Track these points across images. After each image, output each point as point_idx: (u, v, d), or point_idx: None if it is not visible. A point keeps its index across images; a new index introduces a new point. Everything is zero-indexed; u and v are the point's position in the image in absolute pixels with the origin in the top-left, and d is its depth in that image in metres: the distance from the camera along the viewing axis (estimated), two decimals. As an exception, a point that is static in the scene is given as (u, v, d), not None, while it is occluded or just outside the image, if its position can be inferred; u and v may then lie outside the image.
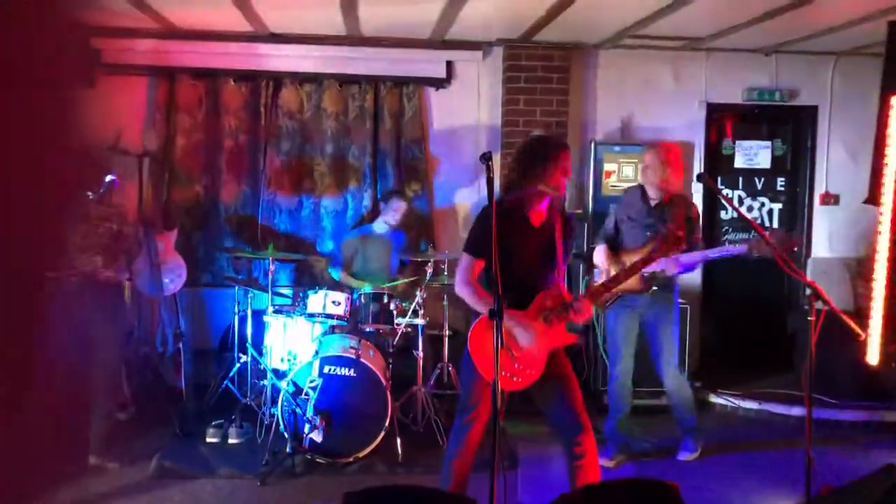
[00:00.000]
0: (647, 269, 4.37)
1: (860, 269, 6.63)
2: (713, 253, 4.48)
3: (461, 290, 3.41)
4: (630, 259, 4.42)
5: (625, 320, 4.73)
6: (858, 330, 3.24)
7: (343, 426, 4.65)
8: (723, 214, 7.04)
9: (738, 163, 7.03)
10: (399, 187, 6.33)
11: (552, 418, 3.50)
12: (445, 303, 5.60)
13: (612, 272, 4.49)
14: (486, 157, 2.98)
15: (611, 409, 4.88)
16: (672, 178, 4.59)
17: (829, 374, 5.46)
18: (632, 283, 4.44)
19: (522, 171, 3.37)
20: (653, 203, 4.70)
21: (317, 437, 4.59)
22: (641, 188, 4.77)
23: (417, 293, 5.16)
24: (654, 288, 4.58)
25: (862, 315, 5.12)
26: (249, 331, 5.42)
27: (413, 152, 6.50)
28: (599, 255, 4.73)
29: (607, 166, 6.43)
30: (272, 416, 4.88)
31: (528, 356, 3.37)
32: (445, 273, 5.58)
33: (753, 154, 7.03)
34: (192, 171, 6.30)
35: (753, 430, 5.70)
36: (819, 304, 3.31)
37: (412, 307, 5.13)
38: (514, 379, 3.38)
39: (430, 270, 5.26)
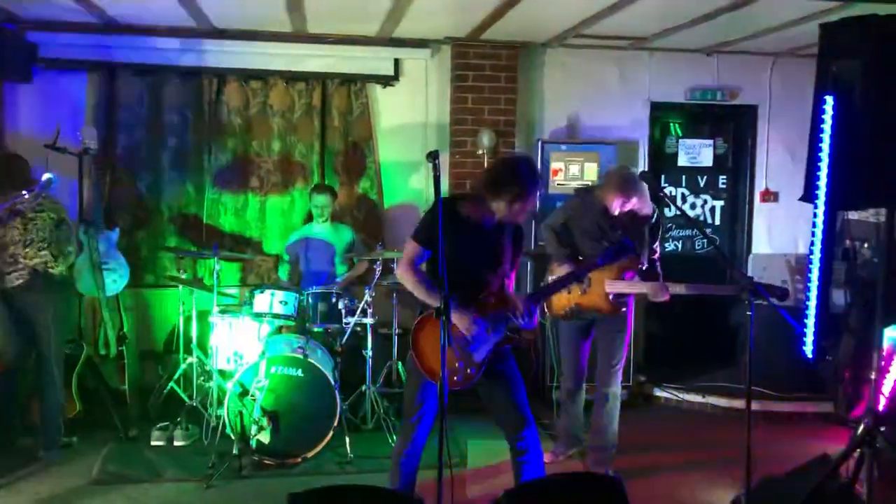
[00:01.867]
0: (635, 292, 4.35)
1: (799, 265, 6.82)
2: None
3: (403, 275, 3.42)
4: (599, 275, 4.30)
5: (577, 330, 4.66)
6: (795, 323, 3.33)
7: (291, 426, 4.63)
8: (666, 212, 7.17)
9: (682, 161, 7.17)
10: (321, 182, 6.28)
11: (496, 415, 3.54)
12: (395, 301, 5.60)
13: (577, 288, 4.40)
14: (433, 156, 2.99)
15: (562, 409, 4.92)
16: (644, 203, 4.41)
17: (769, 367, 5.61)
18: (595, 302, 4.39)
19: (487, 188, 3.35)
20: (617, 216, 4.38)
21: (264, 438, 4.56)
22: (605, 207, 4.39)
23: (366, 292, 5.15)
24: (623, 310, 4.42)
25: (800, 310, 5.29)
26: (195, 332, 5.37)
27: (361, 150, 6.49)
28: (566, 267, 4.33)
29: (554, 165, 6.50)
30: (218, 417, 4.84)
31: (469, 356, 3.39)
32: (395, 271, 5.57)
33: (696, 153, 7.18)
34: (135, 169, 6.18)
35: (697, 423, 5.84)
36: (758, 300, 3.40)
37: (361, 306, 5.12)
38: (455, 377, 3.39)
39: (378, 269, 5.24)
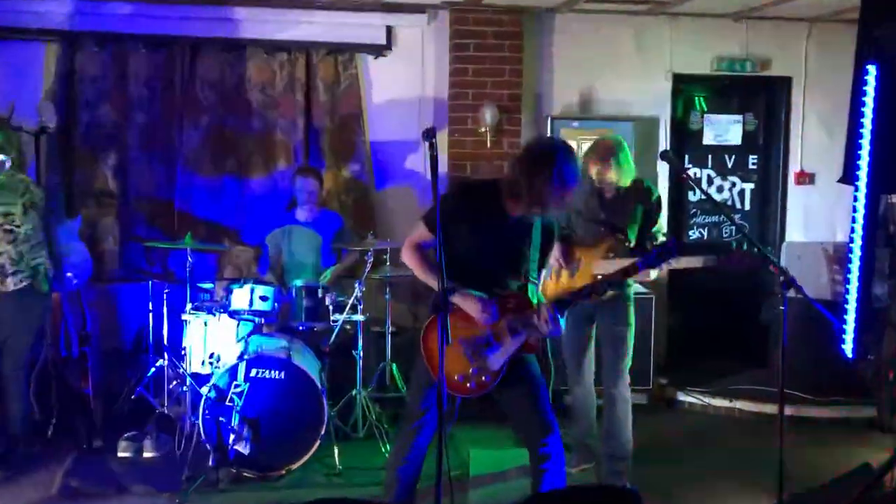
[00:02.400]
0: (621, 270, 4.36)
1: (837, 255, 6.82)
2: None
3: (407, 256, 3.44)
4: (588, 258, 4.40)
5: (576, 327, 4.63)
6: (833, 319, 3.34)
7: (273, 435, 4.63)
8: (690, 196, 7.17)
9: (707, 139, 7.16)
10: (304, 164, 6.28)
11: (516, 422, 3.56)
12: (388, 297, 5.59)
13: (565, 272, 4.46)
14: (429, 134, 2.98)
15: (574, 415, 4.91)
16: (625, 173, 4.45)
17: (804, 368, 5.62)
18: (572, 284, 4.38)
19: (520, 170, 3.30)
20: (608, 197, 4.51)
21: (243, 448, 4.56)
22: (598, 185, 4.54)
23: (356, 286, 5.15)
24: (610, 292, 4.38)
25: (838, 304, 5.29)
26: (166, 331, 5.36)
27: (350, 128, 6.47)
28: (556, 249, 4.47)
29: (565, 143, 6.47)
30: (193, 425, 4.83)
31: (485, 362, 3.39)
32: (388, 264, 5.57)
33: (723, 130, 7.17)
34: (98, 149, 6.17)
35: (724, 430, 5.84)
36: (792, 293, 3.40)
37: (351, 302, 5.11)
38: (468, 385, 3.40)
39: (370, 261, 5.24)
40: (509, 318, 3.39)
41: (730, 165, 7.21)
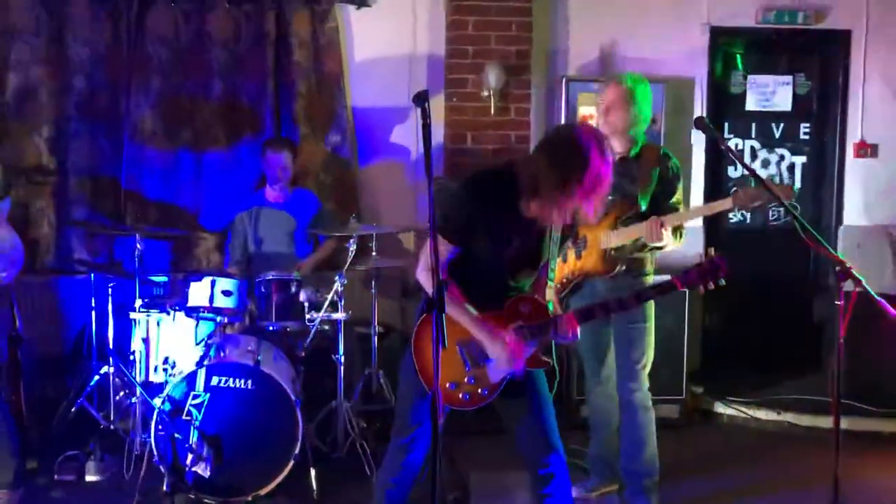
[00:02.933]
0: (632, 238, 4.43)
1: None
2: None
3: (422, 277, 3.42)
4: (594, 234, 4.46)
5: (592, 322, 4.68)
6: (898, 317, 3.33)
7: (238, 455, 4.63)
8: (731, 171, 7.16)
9: (751, 104, 7.15)
10: (275, 135, 6.29)
11: (517, 439, 3.57)
12: (374, 291, 5.59)
13: (571, 252, 4.53)
14: (421, 99, 2.97)
15: (592, 427, 4.93)
16: (638, 118, 4.51)
17: (865, 374, 5.62)
18: (593, 263, 4.49)
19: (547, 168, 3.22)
20: (618, 156, 4.46)
21: (203, 470, 4.56)
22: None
23: (337, 279, 5.15)
24: (621, 268, 4.48)
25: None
26: (111, 332, 5.36)
27: (329, 92, 6.47)
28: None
29: (583, 110, 6.47)
30: (143, 444, 4.84)
31: (484, 372, 3.41)
32: (374, 253, 5.56)
33: (770, 93, 7.16)
34: (31, 118, 6.15)
35: (771, 446, 5.86)
36: (850, 286, 3.39)
37: (330, 298, 5.12)
38: (461, 396, 3.42)
39: (353, 249, 5.24)
40: (520, 326, 3.40)
41: (777, 135, 7.20)
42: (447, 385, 3.41)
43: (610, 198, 4.45)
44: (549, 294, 3.53)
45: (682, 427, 5.84)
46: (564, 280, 4.57)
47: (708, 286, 3.45)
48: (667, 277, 3.53)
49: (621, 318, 4.54)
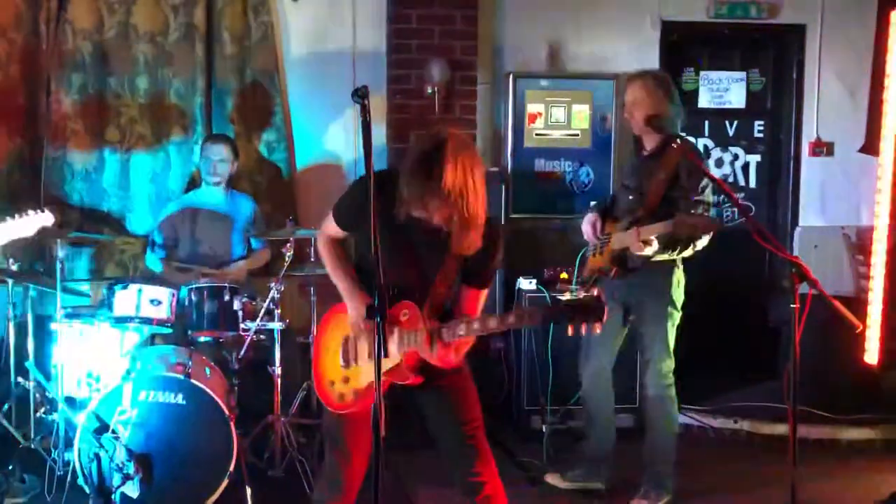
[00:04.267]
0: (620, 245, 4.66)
1: (861, 241, 6.93)
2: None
3: (321, 252, 3.54)
4: (613, 232, 4.74)
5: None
6: (854, 320, 3.39)
7: (169, 474, 4.59)
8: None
9: (704, 101, 7.24)
10: (210, 130, 6.28)
11: (439, 444, 3.54)
12: (314, 299, 5.57)
13: (598, 249, 4.83)
14: (360, 95, 2.98)
15: (587, 422, 5.13)
16: (661, 114, 4.71)
17: (822, 379, 5.71)
18: (602, 262, 4.73)
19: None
20: (645, 154, 4.90)
21: (131, 491, 4.52)
22: (638, 139, 5.00)
23: (273, 286, 5.13)
24: (634, 268, 4.68)
25: (863, 301, 5.38)
26: (31, 344, 5.31)
27: (263, 90, 6.46)
28: (585, 223, 4.97)
29: (531, 108, 6.52)
30: (67, 463, 4.80)
31: (357, 373, 3.38)
32: (312, 258, 5.54)
33: (723, 89, 7.25)
34: (-59, 116, 6.06)
35: (728, 456, 5.94)
36: (805, 288, 3.45)
37: (266, 306, 5.10)
38: (335, 397, 3.42)
39: (289, 255, 5.21)
40: (403, 332, 3.30)
41: (731, 133, 7.31)
42: (326, 383, 3.46)
43: (629, 197, 4.75)
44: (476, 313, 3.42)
45: (636, 436, 5.88)
46: (585, 276, 4.91)
47: (578, 329, 2.93)
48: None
49: (648, 311, 4.81)
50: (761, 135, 7.36)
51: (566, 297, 3.10)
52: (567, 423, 5.91)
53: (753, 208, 7.23)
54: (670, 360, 4.82)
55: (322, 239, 3.53)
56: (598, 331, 2.92)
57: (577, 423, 5.86)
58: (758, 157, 7.37)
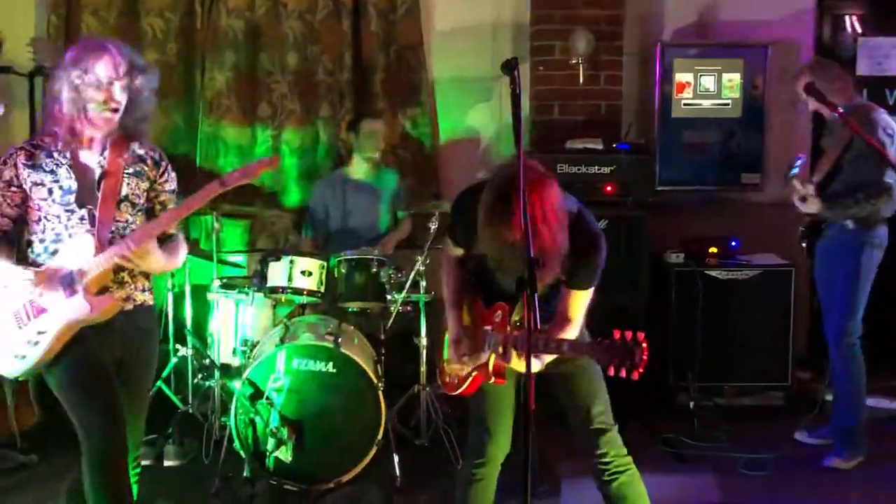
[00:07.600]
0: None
1: None
2: None
3: (443, 268, 3.65)
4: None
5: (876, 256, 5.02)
6: None
7: (320, 441, 4.70)
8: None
9: (863, 69, 6.99)
10: (356, 106, 6.36)
11: (570, 422, 3.60)
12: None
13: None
14: (511, 66, 2.98)
15: (840, 393, 5.15)
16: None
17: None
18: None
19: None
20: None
21: (284, 455, 4.65)
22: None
23: (419, 259, 5.19)
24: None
25: None
26: (189, 313, 5.47)
27: (408, 64, 6.50)
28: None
29: (679, 77, 6.40)
30: (223, 428, 4.94)
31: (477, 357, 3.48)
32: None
33: (883, 56, 6.99)
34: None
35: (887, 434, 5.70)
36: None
37: (411, 278, 5.15)
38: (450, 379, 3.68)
39: (434, 227, 5.25)
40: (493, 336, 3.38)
41: (891, 103, 7.03)
42: (444, 363, 3.69)
43: None
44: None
45: (786, 414, 5.76)
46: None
47: (618, 370, 2.85)
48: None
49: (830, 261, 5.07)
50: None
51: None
52: (713, 401, 5.86)
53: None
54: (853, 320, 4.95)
55: (444, 258, 3.63)
56: (635, 377, 2.81)
57: (724, 401, 5.82)
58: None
